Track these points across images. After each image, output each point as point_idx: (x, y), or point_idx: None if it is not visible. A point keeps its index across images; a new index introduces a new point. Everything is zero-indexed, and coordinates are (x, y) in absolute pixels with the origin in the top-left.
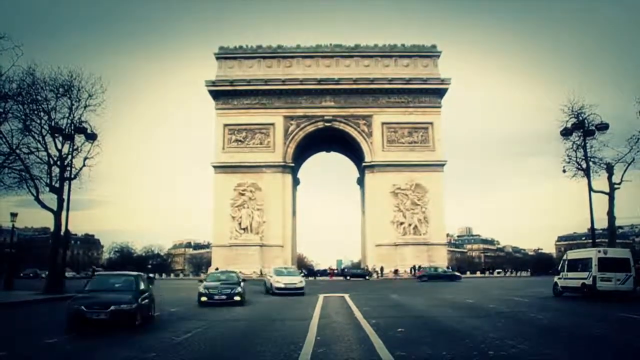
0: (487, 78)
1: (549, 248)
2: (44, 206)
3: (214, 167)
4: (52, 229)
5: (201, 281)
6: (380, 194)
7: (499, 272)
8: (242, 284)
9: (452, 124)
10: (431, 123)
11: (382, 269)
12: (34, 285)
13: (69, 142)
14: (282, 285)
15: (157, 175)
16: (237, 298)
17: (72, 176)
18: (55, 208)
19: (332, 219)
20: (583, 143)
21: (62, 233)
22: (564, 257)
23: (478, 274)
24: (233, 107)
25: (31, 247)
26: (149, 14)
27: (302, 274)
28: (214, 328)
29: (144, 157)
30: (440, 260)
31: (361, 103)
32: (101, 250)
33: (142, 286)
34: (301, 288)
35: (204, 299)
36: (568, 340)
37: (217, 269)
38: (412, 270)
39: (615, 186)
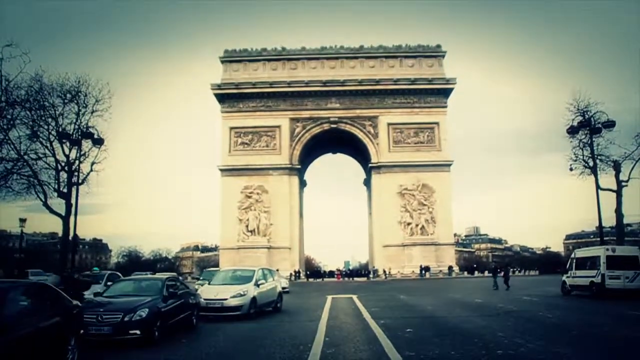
0: (491, 76)
1: (557, 247)
2: (52, 211)
3: (221, 170)
4: (60, 234)
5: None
6: (387, 195)
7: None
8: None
9: (457, 123)
10: (437, 123)
11: (375, 270)
12: None
13: (76, 147)
14: (203, 303)
15: (164, 178)
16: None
17: (80, 181)
18: (63, 213)
19: (339, 221)
20: (590, 141)
21: (70, 238)
22: (572, 256)
23: (486, 273)
24: (239, 110)
25: (39, 252)
26: (153, 18)
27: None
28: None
29: (150, 160)
30: (448, 260)
31: (367, 104)
32: (109, 255)
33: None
34: (238, 307)
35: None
36: (577, 339)
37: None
38: (421, 270)
39: (623, 184)
